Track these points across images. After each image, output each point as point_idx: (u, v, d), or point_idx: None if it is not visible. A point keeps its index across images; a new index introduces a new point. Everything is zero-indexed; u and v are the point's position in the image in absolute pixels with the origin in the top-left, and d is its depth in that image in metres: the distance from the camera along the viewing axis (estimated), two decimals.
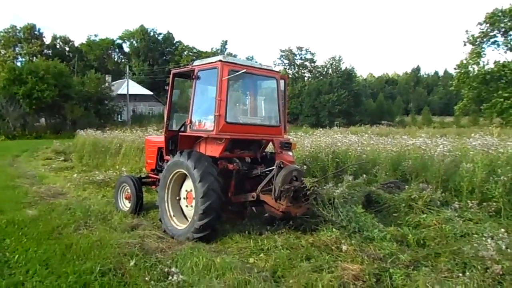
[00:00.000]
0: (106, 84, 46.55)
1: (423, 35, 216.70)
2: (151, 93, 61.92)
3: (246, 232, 6.56)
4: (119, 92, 50.80)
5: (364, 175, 8.77)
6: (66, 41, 79.20)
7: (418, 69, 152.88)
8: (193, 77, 6.88)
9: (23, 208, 8.29)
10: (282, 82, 7.52)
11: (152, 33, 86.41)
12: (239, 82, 7.51)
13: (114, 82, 54.44)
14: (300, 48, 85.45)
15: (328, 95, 72.09)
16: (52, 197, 9.63)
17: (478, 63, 54.23)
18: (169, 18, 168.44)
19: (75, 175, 13.06)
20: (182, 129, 7.43)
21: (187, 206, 6.76)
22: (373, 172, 9.18)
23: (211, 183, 6.11)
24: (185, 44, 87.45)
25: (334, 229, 5.92)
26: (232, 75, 6.49)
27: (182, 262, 5.11)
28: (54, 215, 7.57)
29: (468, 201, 7.55)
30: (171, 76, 7.47)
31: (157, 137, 9.71)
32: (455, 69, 57.50)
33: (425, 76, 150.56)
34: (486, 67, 52.95)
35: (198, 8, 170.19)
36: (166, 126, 7.49)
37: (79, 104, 39.13)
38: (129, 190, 8.29)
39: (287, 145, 7.14)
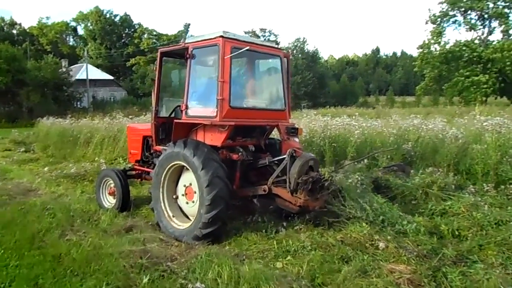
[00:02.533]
0: (64, 69, 43.78)
1: (381, 16, 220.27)
2: (112, 77, 59.23)
3: (263, 230, 5.82)
4: (77, 77, 48.08)
5: (366, 160, 8.30)
6: (12, 23, 74.36)
7: (377, 50, 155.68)
8: (187, 56, 6.02)
9: None
10: (285, 60, 6.66)
11: (108, 15, 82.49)
12: (241, 61, 6.67)
13: (72, 66, 51.37)
14: (263, 30, 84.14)
15: (294, 77, 71.66)
16: (23, 195, 8.51)
17: (439, 43, 55.41)
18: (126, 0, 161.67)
19: (46, 168, 11.81)
20: (173, 115, 6.68)
21: (187, 203, 5.97)
22: (374, 156, 8.68)
23: (215, 170, 5.41)
24: (144, 27, 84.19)
25: (364, 224, 5.31)
26: (236, 53, 5.67)
27: (201, 273, 4.33)
28: (31, 218, 6.55)
29: (484, 184, 7.21)
30: (158, 55, 6.65)
31: (141, 124, 8.83)
32: (417, 49, 58.24)
33: (384, 57, 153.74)
34: (447, 47, 54.18)
35: None
36: (154, 113, 6.64)
37: (35, 90, 36.43)
38: (112, 185, 7.40)
39: (294, 131, 6.48)
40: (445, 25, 57.19)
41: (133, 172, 7.80)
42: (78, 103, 44.90)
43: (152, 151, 7.25)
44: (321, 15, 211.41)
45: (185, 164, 5.74)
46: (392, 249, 4.73)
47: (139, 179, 7.98)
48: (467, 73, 50.24)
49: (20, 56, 38.55)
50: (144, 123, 9.03)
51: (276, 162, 6.07)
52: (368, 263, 4.51)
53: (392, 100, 73.51)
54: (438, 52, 53.90)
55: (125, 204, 7.26)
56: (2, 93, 35.80)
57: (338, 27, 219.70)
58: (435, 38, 55.95)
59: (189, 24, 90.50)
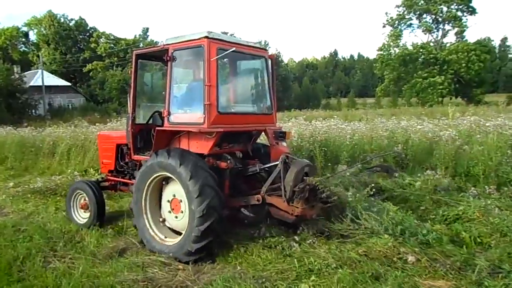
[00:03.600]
0: (17, 76, 41.34)
1: (339, 19, 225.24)
2: (69, 84, 56.73)
3: (275, 246, 5.31)
4: (32, 84, 45.61)
5: (358, 163, 8.01)
6: None
7: (335, 53, 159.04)
8: (167, 58, 5.58)
9: None
10: (270, 61, 6.32)
11: (62, 20, 79.28)
12: (226, 63, 6.30)
13: (25, 73, 48.60)
14: (225, 33, 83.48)
15: None
16: None
17: (398, 45, 57.09)
18: (80, 3, 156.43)
19: (10, 183, 10.72)
20: (151, 122, 6.31)
21: (173, 215, 5.51)
22: (364, 159, 8.41)
23: (205, 179, 5.02)
24: (101, 31, 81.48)
25: (385, 235, 4.93)
26: (222, 54, 5.32)
27: None
28: (3, 243, 5.76)
29: (486, 186, 7.07)
30: (133, 58, 6.17)
31: (114, 132, 8.31)
32: (377, 51, 59.71)
33: (342, 59, 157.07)
34: (404, 49, 55.86)
35: None
36: (132, 119, 6.16)
37: None
38: (86, 198, 6.79)
39: (282, 135, 6.15)
40: (402, 28, 59.12)
41: (107, 183, 7.28)
42: (34, 111, 42.47)
43: (127, 160, 6.79)
44: (279, 18, 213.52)
45: (170, 175, 5.32)
46: (424, 262, 4.37)
47: (114, 190, 7.44)
48: (425, 75, 52.02)
49: None
50: (117, 131, 8.58)
51: (267, 169, 5.79)
52: (403, 280, 4.12)
53: (353, 102, 74.89)
54: (396, 55, 55.45)
55: (101, 218, 6.70)
56: None
57: (296, 30, 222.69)
58: (393, 40, 57.64)
59: (147, 28, 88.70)
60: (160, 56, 5.90)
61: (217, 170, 5.51)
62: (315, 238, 5.40)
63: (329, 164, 8.67)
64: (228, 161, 5.68)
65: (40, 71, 51.53)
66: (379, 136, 9.23)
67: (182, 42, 5.57)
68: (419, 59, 54.30)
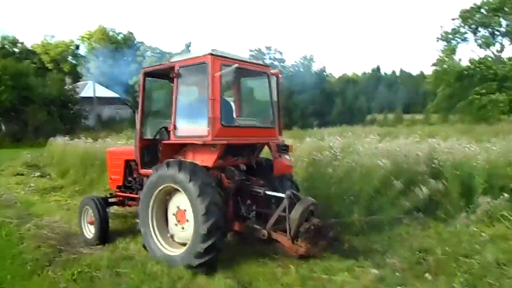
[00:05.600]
0: (70, 86, 41.96)
1: (379, 36, 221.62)
2: (118, 95, 57.40)
3: (291, 266, 5.09)
4: (82, 95, 46.23)
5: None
6: (14, 42, 72.94)
7: (378, 68, 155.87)
8: (174, 75, 5.91)
9: (32, 274, 5.18)
10: (274, 79, 6.66)
11: (111, 33, 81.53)
12: (229, 78, 6.34)
13: (76, 84, 49.54)
14: (268, 48, 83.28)
15: (301, 95, 70.47)
16: (67, 245, 6.58)
17: (453, 60, 54.49)
18: (129, 18, 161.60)
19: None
20: (158, 136, 6.63)
21: (177, 225, 5.73)
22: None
23: (212, 197, 5.24)
24: (148, 45, 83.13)
25: None
26: (225, 71, 5.63)
27: None
28: None
29: None
30: (142, 76, 6.51)
31: (122, 148, 8.54)
32: (431, 66, 57.38)
33: (385, 75, 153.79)
34: (461, 64, 53.26)
35: (160, 8, 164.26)
36: (139, 135, 6.53)
37: (41, 108, 34.45)
38: (92, 214, 7.03)
39: (284, 148, 6.44)
40: (456, 42, 56.46)
41: (115, 199, 7.54)
42: (84, 121, 42.90)
43: (135, 175, 7.04)
44: (320, 34, 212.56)
45: (178, 188, 5.51)
46: None
47: (122, 206, 7.67)
48: (483, 91, 49.11)
49: (28, 72, 36.66)
50: (124, 147, 8.59)
51: (272, 195, 5.89)
52: None
53: (400, 118, 72.23)
54: (452, 70, 52.92)
55: (104, 234, 6.93)
56: (7, 111, 33.78)
57: (336, 46, 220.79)
58: (447, 55, 55.10)
59: (190, 43, 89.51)
60: (167, 73, 6.19)
61: (222, 186, 5.81)
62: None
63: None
64: (232, 173, 6.00)
65: (90, 82, 52.51)
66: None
67: (187, 59, 5.95)
68: (477, 75, 51.44)
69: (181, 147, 6.00)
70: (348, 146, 10.06)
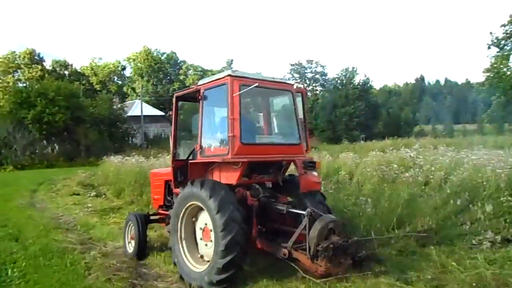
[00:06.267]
0: (119, 105, 42.95)
1: (422, 46, 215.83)
2: (163, 113, 58.46)
3: None
4: (129, 114, 47.28)
5: None
6: (65, 65, 76.35)
7: (422, 78, 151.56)
8: (199, 97, 6.17)
9: None
10: (299, 96, 6.76)
11: (155, 53, 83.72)
12: (252, 98, 6.92)
13: (124, 103, 50.84)
14: (310, 61, 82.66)
15: (345, 108, 68.93)
16: (140, 278, 5.97)
17: (508, 66, 51.56)
18: (172, 38, 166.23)
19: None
20: (191, 157, 6.69)
21: (204, 242, 5.87)
22: None
23: (231, 213, 5.29)
24: (190, 63, 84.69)
25: None
26: (244, 90, 5.77)
27: None
28: None
29: None
30: (174, 100, 6.86)
31: (163, 169, 8.69)
32: (483, 72, 54.52)
33: (428, 85, 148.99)
34: None
35: (202, 27, 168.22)
36: (173, 156, 6.78)
37: (92, 127, 35.27)
38: (133, 230, 7.29)
39: (311, 165, 6.31)
40: (508, 48, 53.41)
41: (157, 217, 7.79)
42: (132, 139, 43.67)
43: (173, 194, 7.16)
44: (358, 46, 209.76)
45: (201, 205, 5.64)
46: None
47: (164, 224, 7.67)
48: None
49: (78, 92, 37.83)
50: (166, 168, 8.71)
51: (294, 212, 5.78)
52: None
53: (451, 128, 69.15)
54: (508, 76, 50.06)
55: (142, 250, 7.13)
56: (60, 131, 34.80)
57: (374, 57, 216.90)
58: (501, 62, 52.20)
59: (232, 60, 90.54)
60: (195, 96, 6.29)
61: (245, 202, 5.85)
62: None
63: None
64: (256, 190, 6.02)
65: (137, 101, 53.70)
66: None
67: (211, 82, 6.11)
68: None
69: (209, 166, 6.17)
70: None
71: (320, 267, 5.06)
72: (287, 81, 6.90)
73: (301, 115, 6.63)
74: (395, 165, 12.33)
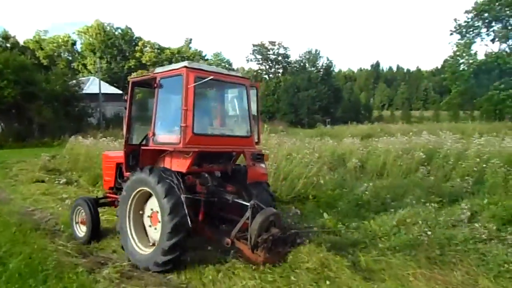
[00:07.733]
0: (74, 82, 39.26)
1: (377, 32, 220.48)
2: (121, 92, 54.80)
3: None
4: (85, 91, 43.51)
5: None
6: (6, 37, 69.66)
7: (377, 64, 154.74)
8: (155, 85, 6.21)
9: None
10: (254, 90, 6.96)
11: (109, 28, 78.57)
12: (206, 90, 7.10)
13: (80, 79, 46.69)
14: (272, 43, 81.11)
15: (307, 91, 68.28)
16: None
17: (470, 54, 52.77)
18: (127, 13, 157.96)
19: None
20: (144, 142, 6.72)
21: (151, 226, 6.06)
22: None
23: (178, 198, 5.50)
24: (146, 40, 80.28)
25: None
26: (199, 82, 5.89)
27: None
28: None
29: None
30: (129, 85, 6.96)
31: (115, 152, 8.78)
32: (445, 61, 55.71)
33: (383, 71, 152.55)
34: (476, 59, 51.68)
35: (159, 2, 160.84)
36: (125, 140, 6.84)
37: (46, 105, 31.72)
38: (83, 214, 7.29)
39: (259, 157, 6.62)
40: (470, 36, 54.64)
41: (106, 200, 7.88)
42: (89, 119, 40.24)
43: (124, 178, 7.18)
44: (319, 29, 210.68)
45: (149, 190, 5.82)
46: None
47: (113, 206, 7.73)
48: (501, 86, 47.47)
49: (30, 65, 33.89)
50: (117, 151, 8.85)
51: (239, 202, 5.99)
52: None
53: (408, 115, 70.61)
54: (469, 64, 51.26)
55: (95, 234, 7.17)
56: (9, 108, 31.01)
57: (332, 42, 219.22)
58: (464, 49, 53.32)
59: (191, 39, 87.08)
60: (151, 83, 6.34)
61: (195, 191, 6.05)
62: None
63: None
64: (205, 179, 6.24)
65: (92, 78, 49.84)
66: None
67: (167, 71, 6.25)
68: (495, 70, 49.71)
69: (160, 153, 6.25)
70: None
71: (259, 257, 5.48)
72: (242, 76, 7.13)
73: (254, 109, 6.82)
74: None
